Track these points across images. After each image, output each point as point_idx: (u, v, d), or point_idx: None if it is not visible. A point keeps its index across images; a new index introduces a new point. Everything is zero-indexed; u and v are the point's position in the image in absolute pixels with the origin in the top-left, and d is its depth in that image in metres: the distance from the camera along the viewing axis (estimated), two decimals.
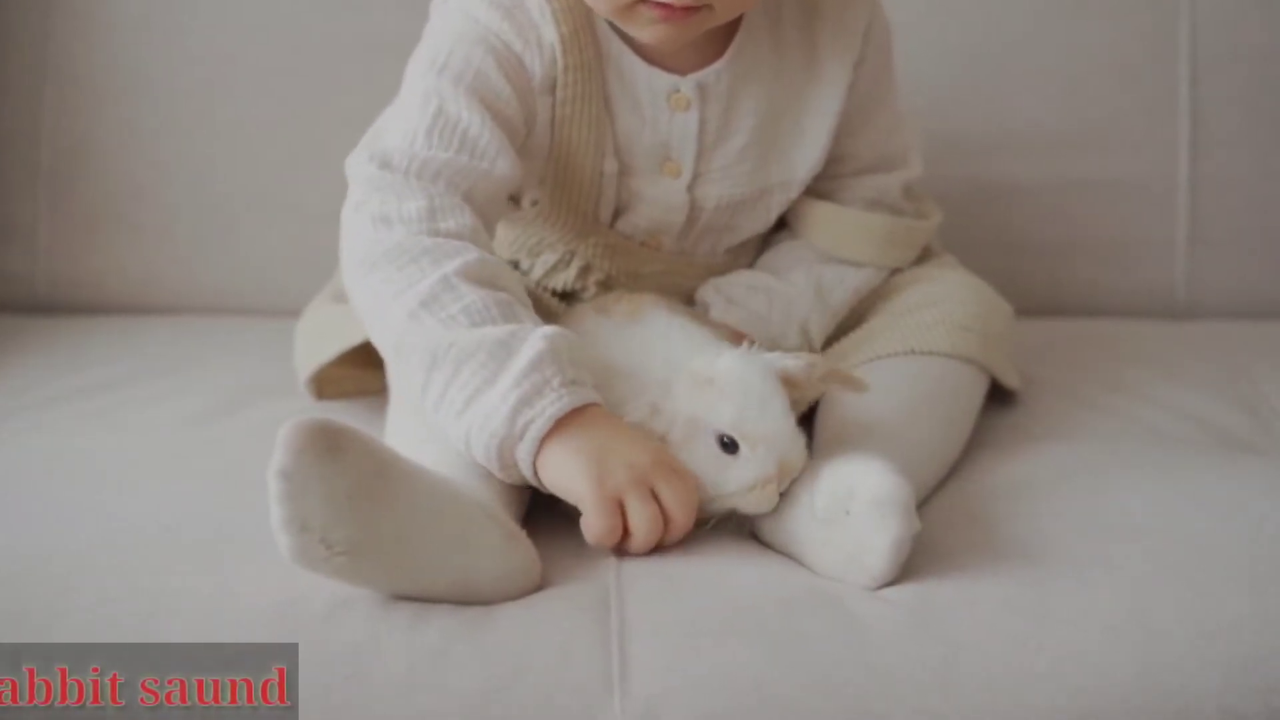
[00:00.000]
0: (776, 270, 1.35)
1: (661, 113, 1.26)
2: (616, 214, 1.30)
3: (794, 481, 1.13)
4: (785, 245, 1.37)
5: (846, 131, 1.33)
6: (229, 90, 1.63)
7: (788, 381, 1.15)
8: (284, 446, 1.01)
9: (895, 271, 1.38)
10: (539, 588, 1.09)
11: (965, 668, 1.01)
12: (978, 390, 1.32)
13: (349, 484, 1.02)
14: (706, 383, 1.14)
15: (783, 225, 1.38)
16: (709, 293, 1.33)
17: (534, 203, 1.29)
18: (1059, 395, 1.40)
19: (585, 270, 1.32)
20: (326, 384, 1.36)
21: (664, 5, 1.16)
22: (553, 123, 1.25)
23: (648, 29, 1.19)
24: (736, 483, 1.13)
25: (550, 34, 1.22)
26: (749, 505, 1.14)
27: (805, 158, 1.31)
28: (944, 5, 1.65)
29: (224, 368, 1.47)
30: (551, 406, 1.10)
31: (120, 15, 1.63)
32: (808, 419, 1.23)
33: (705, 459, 1.13)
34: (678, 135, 1.27)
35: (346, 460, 1.02)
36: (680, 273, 1.34)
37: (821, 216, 1.35)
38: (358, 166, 1.21)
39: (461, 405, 1.11)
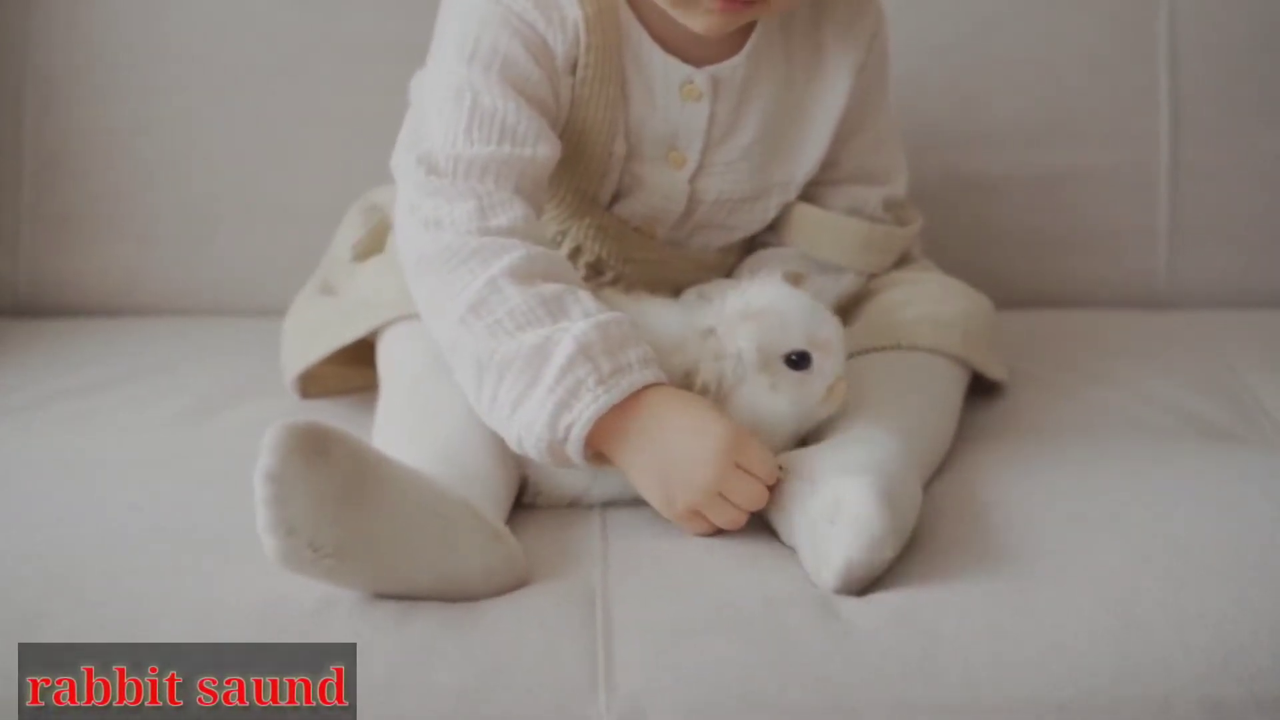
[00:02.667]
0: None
1: (673, 101, 1.27)
2: (615, 198, 1.31)
3: (797, 478, 1.15)
4: (768, 253, 1.37)
5: (838, 136, 1.33)
6: (209, 91, 1.62)
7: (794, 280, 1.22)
8: (270, 449, 1.01)
9: (874, 276, 1.39)
10: (524, 584, 1.10)
11: (946, 660, 1.02)
12: (960, 384, 1.33)
13: (335, 486, 1.02)
14: (757, 314, 1.16)
15: (767, 228, 1.39)
16: (692, 297, 1.33)
17: None
18: (1041, 387, 1.41)
19: (576, 251, 1.32)
20: (312, 382, 1.36)
21: None
22: (571, 102, 1.25)
23: (703, 19, 1.20)
24: (819, 391, 1.17)
25: (574, 13, 1.23)
26: (828, 408, 1.18)
27: (806, 160, 1.32)
28: (917, 1, 1.65)
29: (207, 368, 1.46)
30: (589, 409, 1.11)
31: (100, 18, 1.62)
32: None
33: (783, 384, 1.16)
34: (686, 126, 1.28)
35: (332, 462, 1.02)
36: (670, 264, 1.34)
37: (799, 216, 1.36)
38: (406, 171, 1.21)
39: (509, 411, 1.13)
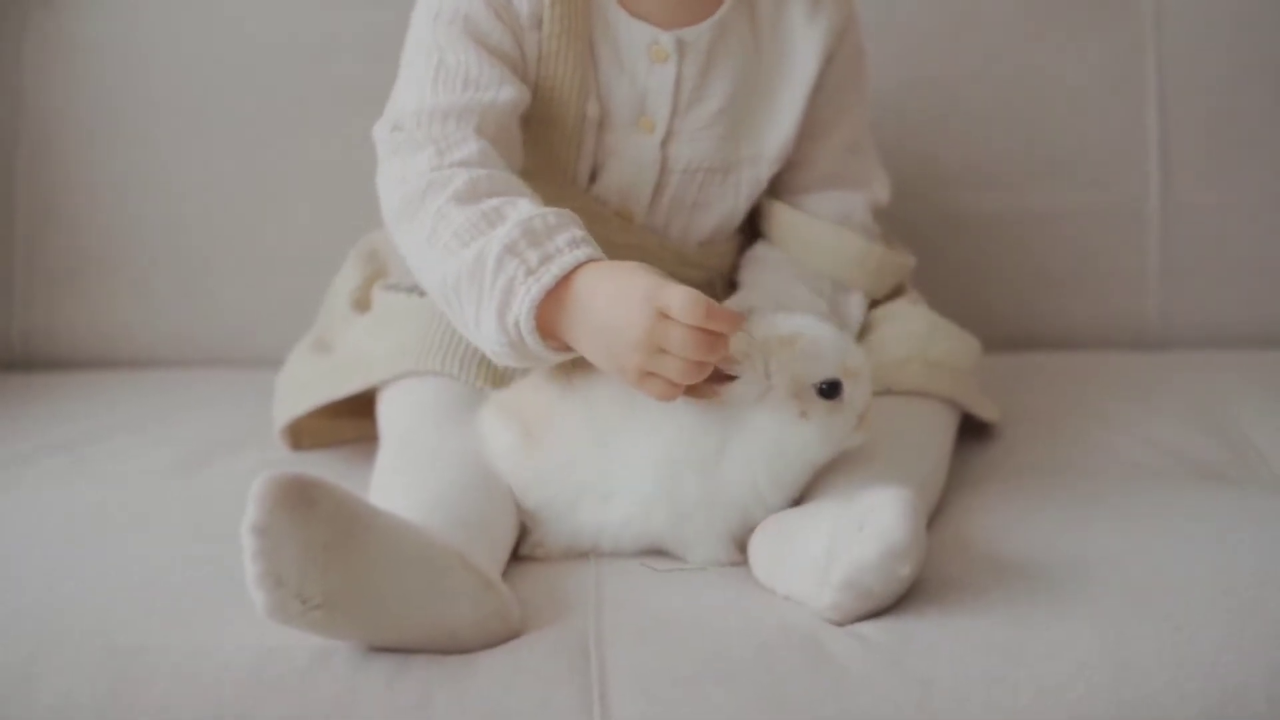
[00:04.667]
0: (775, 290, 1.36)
1: (641, 63, 1.30)
2: (593, 177, 1.32)
3: (794, 515, 1.15)
4: (764, 251, 1.38)
5: (810, 134, 1.36)
6: (202, 143, 1.63)
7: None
8: (256, 502, 1.01)
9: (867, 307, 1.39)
10: (518, 634, 1.09)
11: (941, 708, 1.02)
12: (952, 426, 1.33)
13: (322, 538, 1.02)
14: (789, 341, 1.16)
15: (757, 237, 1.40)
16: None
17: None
18: (1034, 429, 1.41)
19: None
20: (304, 435, 1.37)
21: None
22: (539, 58, 1.28)
23: None
24: (850, 420, 1.17)
25: None
26: (859, 439, 1.18)
27: (774, 137, 1.34)
28: (911, 40, 1.66)
29: (200, 419, 1.47)
30: (525, 301, 1.12)
31: (93, 70, 1.64)
32: None
33: (813, 412, 1.16)
34: (654, 88, 1.31)
35: (319, 513, 1.02)
36: (651, 251, 1.35)
37: (792, 222, 1.37)
38: (379, 134, 1.26)
39: (475, 327, 1.16)
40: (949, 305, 1.46)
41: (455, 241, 1.16)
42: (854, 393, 1.17)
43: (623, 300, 1.11)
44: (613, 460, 1.18)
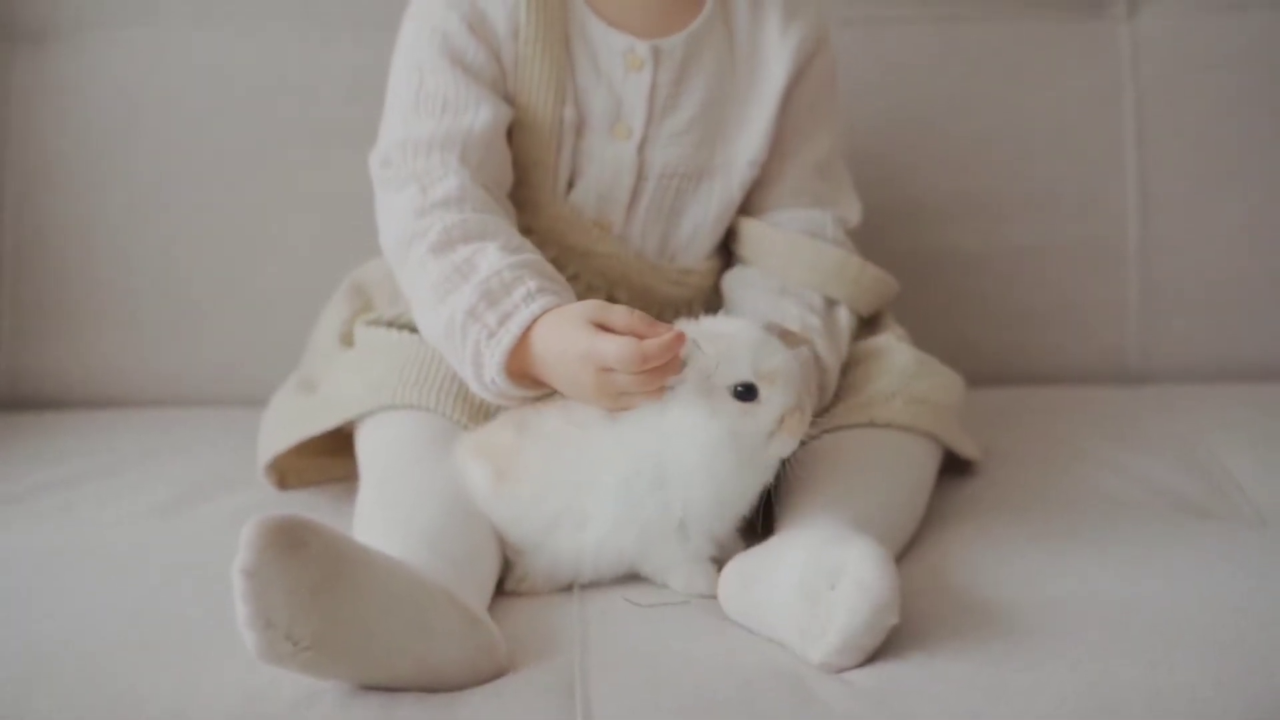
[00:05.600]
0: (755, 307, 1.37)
1: (617, 71, 1.34)
2: (571, 185, 1.36)
3: (762, 551, 1.15)
4: (748, 272, 1.39)
5: (780, 150, 1.39)
6: (187, 180, 1.64)
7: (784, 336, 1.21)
8: (247, 544, 1.02)
9: (849, 343, 1.40)
10: (504, 671, 1.10)
11: None
12: (934, 462, 1.34)
13: (312, 578, 1.03)
14: (705, 340, 1.17)
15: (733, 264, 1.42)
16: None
17: None
18: (1016, 464, 1.41)
19: (539, 246, 1.34)
20: (290, 473, 1.38)
21: None
22: (516, 64, 1.33)
23: None
24: (765, 424, 1.16)
25: None
26: (781, 446, 1.17)
27: (745, 146, 1.38)
28: (892, 76, 1.68)
29: (188, 459, 1.47)
30: (492, 363, 1.19)
31: (79, 108, 1.64)
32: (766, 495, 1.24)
33: (722, 412, 1.16)
34: (630, 95, 1.35)
35: (308, 554, 1.03)
36: (630, 264, 1.38)
37: (768, 239, 1.39)
38: (371, 167, 1.32)
39: (469, 375, 1.22)
40: (931, 340, 1.46)
41: (433, 296, 1.23)
42: (771, 397, 1.16)
43: (566, 359, 1.17)
44: (579, 487, 1.20)
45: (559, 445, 1.21)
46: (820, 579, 1.09)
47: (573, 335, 1.16)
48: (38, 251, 1.63)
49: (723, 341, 1.17)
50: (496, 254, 1.22)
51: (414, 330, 1.34)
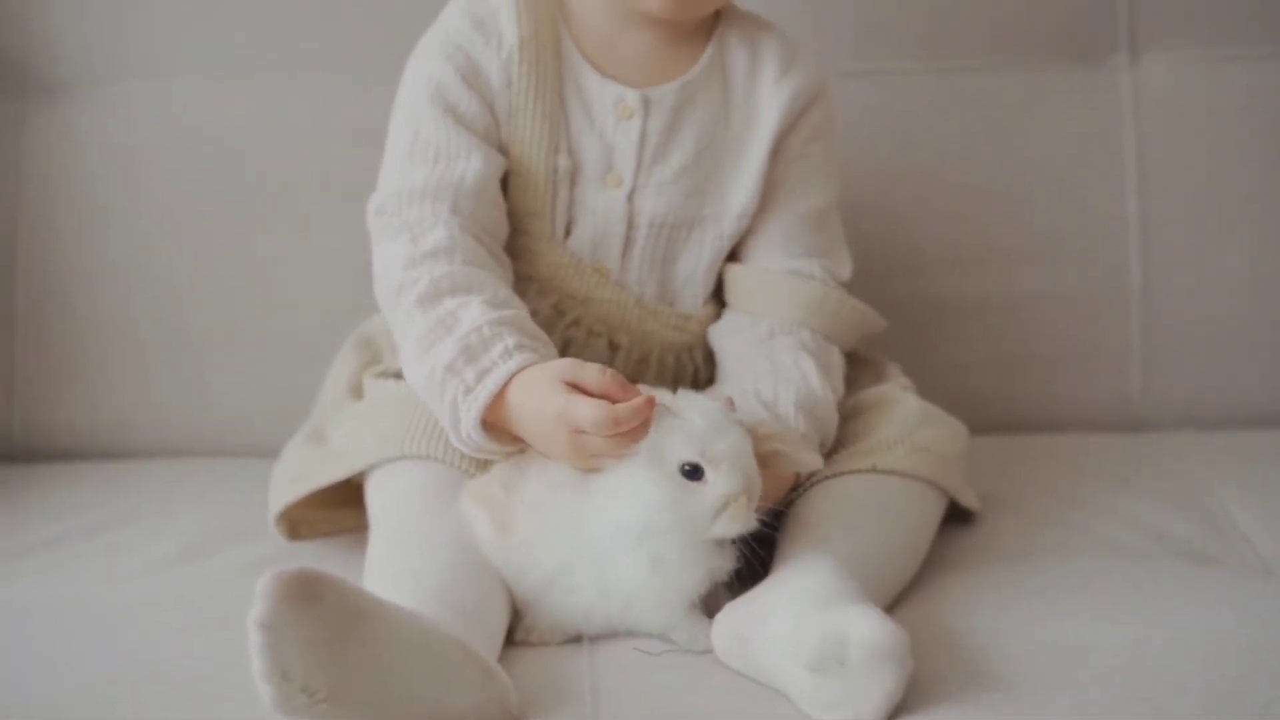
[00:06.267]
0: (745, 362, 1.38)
1: (609, 119, 1.37)
2: (568, 232, 1.38)
3: (750, 604, 1.16)
4: (742, 319, 1.40)
5: (773, 200, 1.40)
6: (195, 234, 1.65)
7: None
8: (263, 597, 1.03)
9: (854, 392, 1.41)
10: None
11: None
12: (935, 510, 1.35)
13: (327, 630, 1.04)
14: (664, 411, 1.18)
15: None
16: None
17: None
18: (1018, 512, 1.42)
19: (540, 294, 1.39)
20: (301, 524, 1.39)
21: None
22: (509, 113, 1.35)
23: None
24: (708, 506, 1.17)
25: (511, 35, 1.36)
26: (725, 528, 1.17)
27: (736, 196, 1.39)
28: (893, 125, 1.69)
29: (200, 510, 1.48)
30: (468, 419, 1.21)
31: (91, 161, 1.66)
32: (769, 541, 1.25)
33: (665, 485, 1.17)
34: (621, 143, 1.37)
35: (323, 606, 1.04)
36: (629, 309, 1.40)
37: (747, 274, 1.40)
38: (368, 215, 1.35)
39: (448, 428, 1.24)
40: (934, 388, 1.47)
41: (419, 349, 1.25)
42: (715, 480, 1.17)
43: (540, 420, 1.20)
44: (566, 553, 1.21)
45: (541, 509, 1.22)
46: (823, 651, 1.09)
47: (548, 395, 1.19)
48: (50, 305, 1.65)
49: (680, 419, 1.18)
50: (479, 309, 1.24)
51: None
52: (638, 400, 1.16)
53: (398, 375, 1.39)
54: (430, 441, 1.30)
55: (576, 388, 1.18)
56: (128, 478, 1.57)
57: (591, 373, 1.19)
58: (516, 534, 1.22)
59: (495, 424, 1.22)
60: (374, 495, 1.32)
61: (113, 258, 1.65)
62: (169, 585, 1.34)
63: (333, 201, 1.64)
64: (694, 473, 1.17)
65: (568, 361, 1.21)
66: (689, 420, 1.18)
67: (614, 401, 1.17)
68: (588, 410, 1.16)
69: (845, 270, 1.43)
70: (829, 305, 1.39)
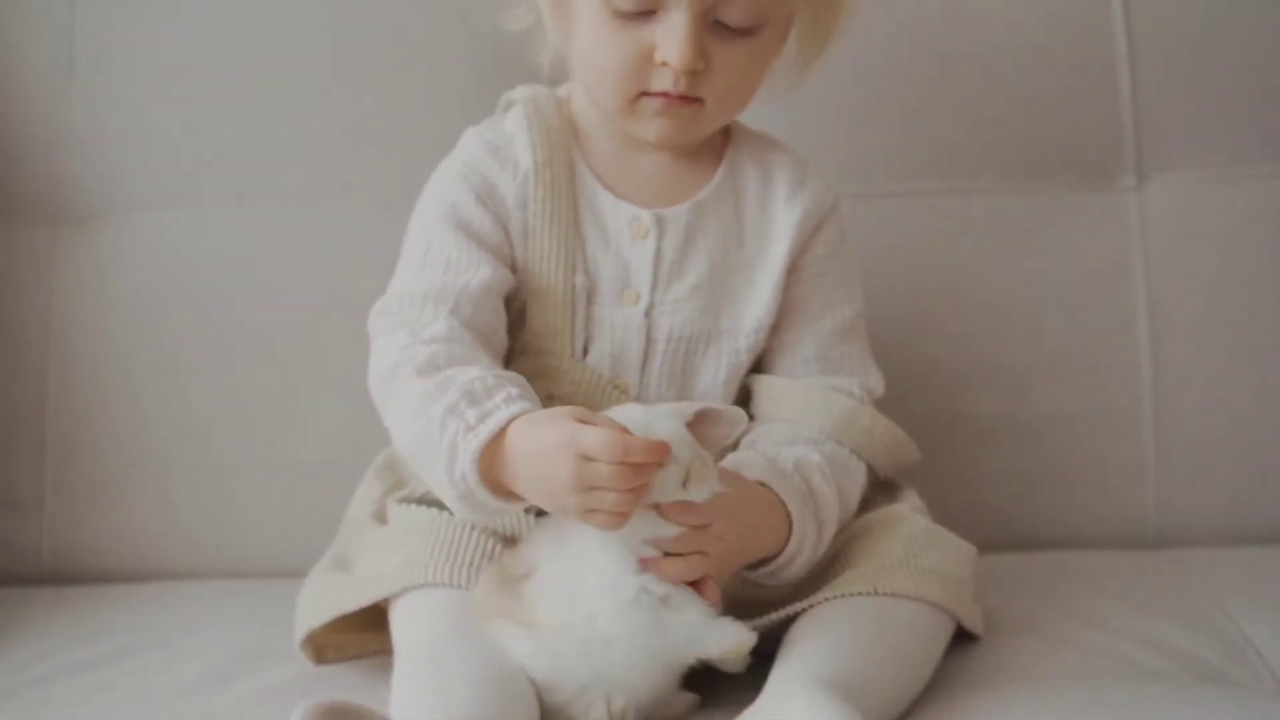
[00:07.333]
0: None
1: (624, 238, 1.40)
2: (586, 349, 1.40)
3: None
4: (776, 428, 1.42)
5: (799, 319, 1.43)
6: (220, 358, 1.68)
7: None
8: None
9: (864, 511, 1.43)
10: None
11: None
12: (941, 633, 1.35)
13: None
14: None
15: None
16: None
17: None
18: (1032, 632, 1.41)
19: None
20: (327, 648, 1.40)
21: (663, 95, 1.33)
22: (526, 234, 1.38)
23: (651, 123, 1.36)
24: (672, 483, 1.21)
25: (526, 160, 1.40)
26: (695, 492, 1.22)
27: (750, 312, 1.42)
28: (907, 246, 1.71)
29: (227, 633, 1.48)
30: (466, 455, 1.21)
31: (120, 285, 1.68)
32: (769, 655, 1.26)
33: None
34: (636, 261, 1.40)
35: None
36: None
37: (778, 386, 1.43)
38: (370, 320, 1.38)
39: (436, 486, 1.26)
40: (948, 506, 1.49)
41: (415, 409, 1.26)
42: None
43: (546, 449, 1.19)
44: (589, 665, 1.23)
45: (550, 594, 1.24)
46: None
47: (554, 426, 1.19)
48: (78, 430, 1.67)
49: (619, 419, 1.22)
50: (479, 370, 1.27)
51: (445, 507, 1.37)
52: (653, 439, 1.18)
53: (421, 500, 1.42)
54: (454, 569, 1.32)
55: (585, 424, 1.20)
56: (154, 601, 1.58)
57: (600, 419, 1.20)
58: (542, 624, 1.24)
59: (488, 471, 1.22)
60: (398, 622, 1.34)
61: (140, 383, 1.68)
62: (197, 710, 1.35)
63: (356, 328, 1.62)
64: None
65: (575, 407, 1.23)
66: (626, 416, 1.22)
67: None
68: (598, 434, 1.17)
69: (878, 384, 1.46)
70: (861, 421, 1.42)
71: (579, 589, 1.23)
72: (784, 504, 1.32)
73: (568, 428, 1.18)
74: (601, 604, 1.22)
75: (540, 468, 1.19)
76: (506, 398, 1.24)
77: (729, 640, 1.22)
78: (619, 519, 1.19)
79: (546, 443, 1.19)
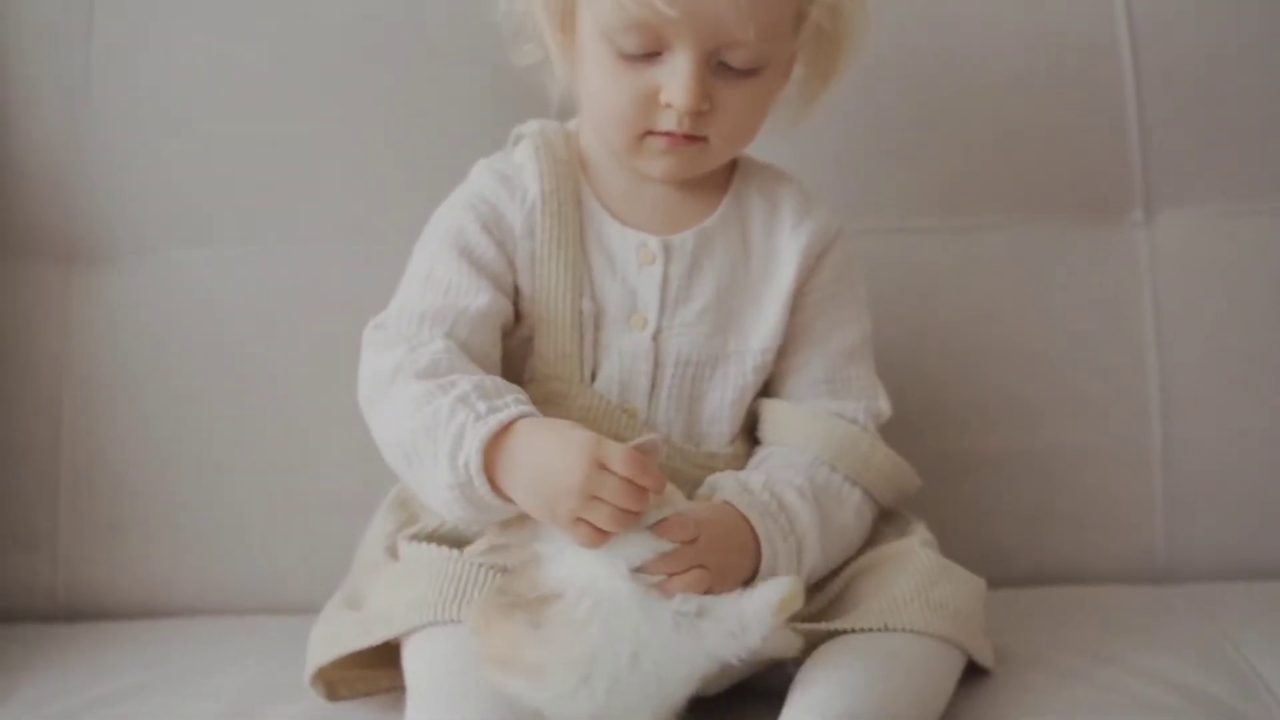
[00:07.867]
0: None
1: (630, 265, 1.41)
2: (595, 375, 1.41)
3: None
4: (780, 451, 1.43)
5: (806, 342, 1.45)
6: (233, 396, 1.69)
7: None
8: None
9: (874, 546, 1.43)
10: None
11: None
12: (951, 667, 1.35)
13: None
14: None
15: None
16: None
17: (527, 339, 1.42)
18: (1041, 668, 1.41)
19: None
20: (339, 684, 1.41)
21: (669, 134, 1.35)
22: (533, 262, 1.40)
23: (657, 161, 1.38)
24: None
25: (534, 189, 1.42)
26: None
27: (757, 336, 1.43)
28: (916, 283, 1.72)
29: (241, 671, 1.49)
30: (474, 442, 1.23)
31: (133, 326, 1.70)
32: (780, 693, 1.27)
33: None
34: (644, 287, 1.41)
35: None
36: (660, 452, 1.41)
37: (781, 409, 1.45)
38: (364, 333, 1.39)
39: (430, 481, 1.27)
40: (958, 541, 1.49)
41: (413, 406, 1.28)
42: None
43: (563, 448, 1.22)
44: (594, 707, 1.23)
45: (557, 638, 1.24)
46: None
47: (574, 430, 1.23)
48: (93, 467, 1.68)
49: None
50: (484, 375, 1.30)
51: (455, 544, 1.38)
52: (658, 473, 1.21)
53: (431, 537, 1.42)
54: (464, 608, 1.32)
55: None
56: (168, 638, 1.58)
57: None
58: (549, 671, 1.23)
59: (488, 468, 1.24)
60: (410, 660, 1.34)
61: (154, 421, 1.69)
62: None
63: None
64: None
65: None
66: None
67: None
68: (620, 448, 1.21)
69: (885, 407, 1.47)
70: (860, 448, 1.43)
71: (616, 627, 1.22)
72: (746, 518, 1.32)
73: (591, 434, 1.22)
74: (644, 642, 1.22)
75: (550, 465, 1.22)
76: (516, 399, 1.27)
77: (774, 595, 1.23)
78: (602, 536, 1.22)
79: (565, 441, 1.22)
